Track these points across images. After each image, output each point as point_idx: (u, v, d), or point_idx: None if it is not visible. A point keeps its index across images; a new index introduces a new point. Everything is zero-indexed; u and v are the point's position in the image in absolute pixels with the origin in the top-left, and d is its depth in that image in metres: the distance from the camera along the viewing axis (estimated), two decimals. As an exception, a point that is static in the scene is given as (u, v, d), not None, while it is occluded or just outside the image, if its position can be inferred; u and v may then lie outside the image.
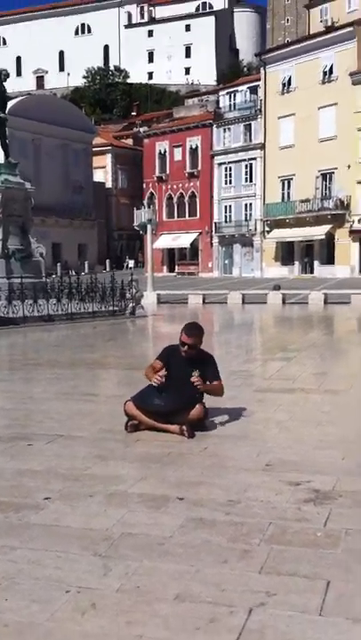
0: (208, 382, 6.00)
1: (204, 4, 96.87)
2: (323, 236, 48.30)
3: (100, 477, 4.67)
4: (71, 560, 3.36)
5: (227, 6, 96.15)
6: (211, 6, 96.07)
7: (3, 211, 18.42)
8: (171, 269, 58.44)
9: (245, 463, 4.97)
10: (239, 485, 4.42)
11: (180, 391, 5.82)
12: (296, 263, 51.04)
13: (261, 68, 53.32)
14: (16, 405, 7.31)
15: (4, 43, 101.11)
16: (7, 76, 19.13)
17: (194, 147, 57.08)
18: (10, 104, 22.02)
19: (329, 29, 50.43)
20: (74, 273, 29.64)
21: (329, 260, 48.90)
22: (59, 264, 47.11)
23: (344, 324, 18.57)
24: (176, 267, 58.41)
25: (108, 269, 47.40)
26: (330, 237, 48.51)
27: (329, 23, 53.01)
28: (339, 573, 3.17)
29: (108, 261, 56.46)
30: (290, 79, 50.24)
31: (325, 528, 3.73)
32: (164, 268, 58.11)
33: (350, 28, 46.25)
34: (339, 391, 7.82)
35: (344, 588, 3.04)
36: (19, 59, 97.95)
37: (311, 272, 49.31)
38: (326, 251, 49.19)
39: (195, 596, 2.97)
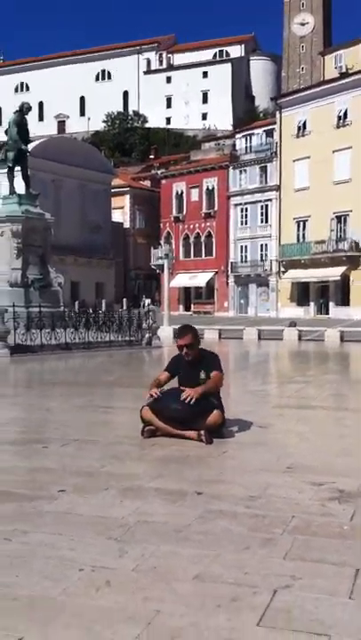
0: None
1: (220, 51, 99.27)
2: (338, 278, 48.19)
3: (115, 474, 4.52)
4: (85, 543, 3.21)
5: (243, 54, 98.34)
6: (228, 54, 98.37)
7: (23, 240, 18.53)
8: (187, 308, 58.45)
9: (266, 466, 4.79)
10: (260, 484, 4.25)
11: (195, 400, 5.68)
12: (311, 304, 50.84)
13: (277, 112, 54.07)
14: (32, 415, 7.19)
15: (27, 88, 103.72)
16: (29, 109, 19.50)
17: (210, 188, 57.68)
18: (31, 146, 22.38)
19: (344, 75, 51.24)
20: (91, 311, 29.69)
21: (344, 301, 48.67)
22: (76, 302, 47.23)
23: (360, 358, 18.34)
24: (192, 305, 58.41)
25: (124, 308, 47.42)
26: (345, 279, 48.38)
27: (343, 69, 53.86)
28: (368, 560, 2.99)
29: (124, 300, 56.65)
30: (305, 123, 50.89)
31: (352, 522, 3.55)
32: (180, 306, 58.13)
33: (365, 74, 46.99)
34: (359, 410, 7.62)
35: (375, 573, 2.85)
36: (41, 104, 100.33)
37: (327, 313, 49.05)
38: (342, 292, 49.00)
39: (215, 577, 2.81)
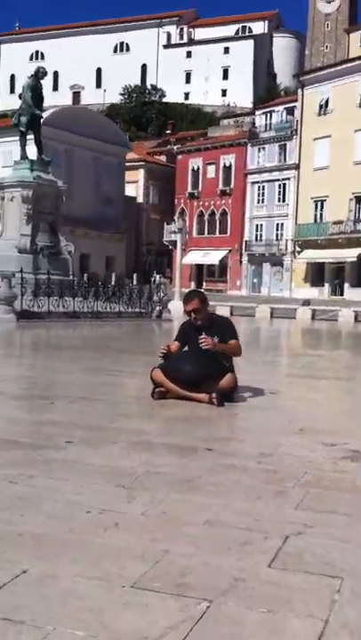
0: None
1: (243, 27, 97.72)
2: (354, 259, 47.78)
3: (124, 430, 4.46)
4: (93, 489, 3.14)
5: (266, 31, 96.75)
6: (250, 30, 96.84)
7: (33, 207, 18.41)
8: (199, 285, 58.14)
9: (278, 428, 4.72)
10: (272, 443, 4.17)
11: (207, 360, 5.58)
12: (326, 285, 50.51)
13: (299, 90, 53.33)
14: (38, 374, 7.14)
15: (43, 57, 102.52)
16: (45, 74, 19.26)
17: (228, 165, 57.12)
18: (45, 114, 22.11)
19: (368, 54, 50.44)
20: (100, 283, 29.63)
21: (360, 282, 48.33)
22: (86, 274, 47.13)
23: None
24: (204, 283, 58.19)
25: (135, 283, 47.31)
26: (361, 260, 48.01)
27: (368, 48, 53.06)
28: (383, 514, 2.91)
29: (135, 275, 56.47)
30: (327, 101, 50.15)
31: (365, 479, 3.46)
32: (192, 284, 57.84)
33: (390, 53, 46.24)
34: (373, 380, 7.53)
35: (390, 526, 2.77)
36: (56, 73, 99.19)
37: (341, 294, 48.72)
38: (358, 273, 48.61)
39: (226, 523, 2.74)
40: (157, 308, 19.01)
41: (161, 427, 4.64)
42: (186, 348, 5.86)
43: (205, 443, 4.11)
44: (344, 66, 50.62)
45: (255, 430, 4.62)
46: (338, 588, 2.16)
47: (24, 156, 19.16)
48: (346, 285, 49.19)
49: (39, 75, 19.05)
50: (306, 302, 26.95)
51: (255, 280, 55.85)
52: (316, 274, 51.36)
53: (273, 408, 5.53)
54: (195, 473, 3.43)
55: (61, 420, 4.71)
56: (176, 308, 24.53)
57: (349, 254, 47.71)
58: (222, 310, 25.35)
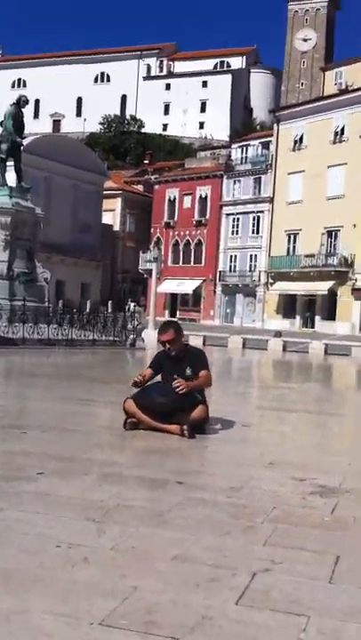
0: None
1: (222, 62, 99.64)
2: (325, 292, 48.43)
3: (95, 461, 4.46)
4: (63, 522, 3.14)
5: (244, 66, 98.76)
6: (228, 65, 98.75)
7: (11, 233, 18.40)
8: (172, 314, 58.34)
9: (248, 461, 4.77)
10: (242, 477, 4.21)
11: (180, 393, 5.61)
12: (298, 317, 51.03)
13: (275, 125, 54.37)
14: (10, 403, 7.10)
15: (25, 85, 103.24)
16: (26, 102, 19.40)
17: (203, 196, 57.79)
18: (25, 142, 22.25)
19: (343, 91, 51.71)
20: (75, 310, 29.54)
21: (330, 315, 48.90)
22: (61, 301, 46.99)
23: (345, 369, 18.38)
24: (178, 312, 58.37)
25: (110, 310, 47.36)
26: (332, 294, 48.63)
27: (343, 86, 54.42)
28: (349, 550, 2.96)
29: (110, 302, 56.51)
30: (302, 137, 51.20)
31: (333, 515, 3.52)
32: (166, 312, 58.04)
33: (363, 92, 47.45)
34: (343, 414, 7.62)
35: (356, 562, 2.82)
36: (37, 101, 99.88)
37: (312, 326, 49.24)
38: (328, 306, 49.25)
39: (195, 558, 2.76)
40: (131, 337, 19.01)
41: (132, 458, 4.66)
42: (159, 378, 5.90)
43: (176, 475, 4.13)
44: (319, 103, 51.83)
45: (226, 463, 4.66)
46: (304, 626, 2.19)
47: (3, 183, 19.19)
48: (317, 318, 49.77)
49: (21, 103, 19.20)
50: (277, 334, 27.16)
51: (228, 310, 56.21)
52: (288, 306, 51.91)
53: (244, 440, 5.57)
54: (165, 507, 3.45)
55: (33, 450, 4.69)
56: (150, 336, 24.54)
57: (321, 287, 48.36)
58: (195, 340, 25.44)
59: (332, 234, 49.13)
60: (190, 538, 2.99)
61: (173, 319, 6.38)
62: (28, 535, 2.93)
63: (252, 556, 2.82)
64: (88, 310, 28.04)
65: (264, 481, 4.13)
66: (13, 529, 3.01)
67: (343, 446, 5.62)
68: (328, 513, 3.52)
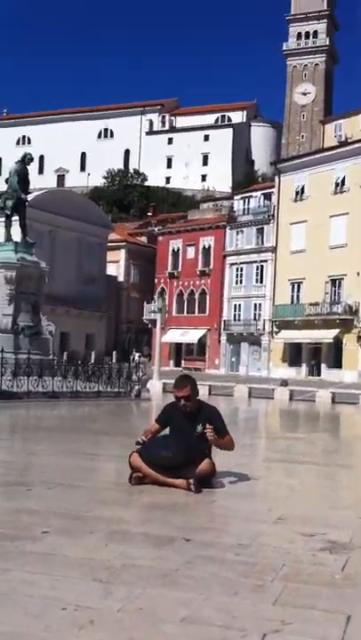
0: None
1: (223, 116, 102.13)
2: (331, 340, 48.41)
3: (101, 518, 4.41)
4: (69, 583, 3.10)
5: (244, 120, 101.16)
6: (229, 119, 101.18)
7: (16, 287, 18.57)
8: (177, 364, 58.32)
9: (256, 516, 4.70)
10: (250, 533, 4.15)
11: (187, 446, 5.58)
12: (303, 365, 50.88)
13: (276, 177, 55.32)
14: (16, 458, 7.05)
15: (29, 142, 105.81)
16: (31, 159, 19.82)
17: (207, 246, 58.43)
18: (30, 197, 22.71)
19: (343, 143, 52.75)
20: (80, 362, 29.54)
21: (336, 363, 48.76)
22: (65, 353, 47.04)
23: (352, 418, 18.23)
24: (183, 361, 58.31)
25: (114, 361, 47.36)
26: (338, 341, 48.61)
27: (343, 138, 55.53)
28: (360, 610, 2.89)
29: (115, 353, 56.55)
30: (303, 188, 52.02)
31: (344, 572, 3.45)
32: (171, 362, 58.00)
33: (363, 144, 48.42)
34: (351, 465, 7.53)
35: (368, 623, 2.76)
36: (42, 157, 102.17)
37: (318, 375, 49.04)
38: (334, 354, 49.15)
39: (204, 620, 2.71)
40: (136, 388, 18.94)
41: (139, 515, 4.60)
42: (166, 431, 5.86)
43: (183, 532, 4.07)
44: (319, 155, 52.82)
45: (233, 518, 4.60)
46: None
47: (9, 238, 19.48)
48: (323, 366, 49.59)
49: (26, 160, 19.61)
50: (283, 382, 27.03)
51: (233, 359, 56.12)
52: (294, 354, 51.80)
53: (251, 495, 5.50)
54: (172, 566, 3.39)
55: (38, 508, 4.65)
56: (155, 387, 24.48)
57: (326, 335, 48.35)
58: (201, 390, 25.27)
59: (335, 282, 49.41)
60: (198, 598, 2.94)
61: (188, 374, 6.34)
62: (34, 597, 2.89)
63: (262, 616, 2.76)
64: (93, 361, 28.07)
65: (273, 537, 4.07)
66: (18, 590, 2.97)
67: (353, 499, 5.54)
68: (339, 570, 3.46)
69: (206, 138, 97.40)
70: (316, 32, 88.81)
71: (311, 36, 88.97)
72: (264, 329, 53.62)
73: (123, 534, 4.00)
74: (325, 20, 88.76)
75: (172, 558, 3.53)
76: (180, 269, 60.13)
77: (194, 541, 3.89)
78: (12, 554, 3.52)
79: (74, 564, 3.39)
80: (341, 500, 5.44)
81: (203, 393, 25.26)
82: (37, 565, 3.34)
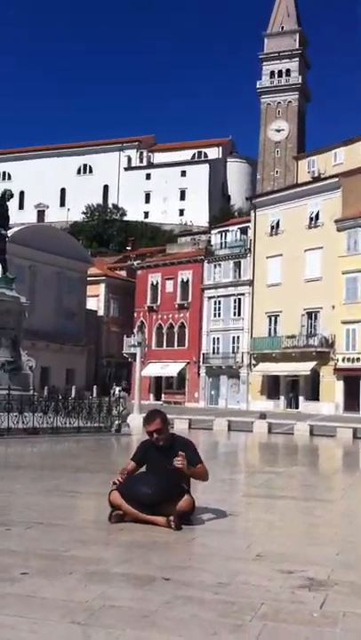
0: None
1: (199, 152, 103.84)
2: (308, 372, 48.67)
3: (80, 558, 4.39)
4: (48, 626, 3.09)
5: (220, 156, 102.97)
6: (206, 155, 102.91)
7: (-5, 322, 18.54)
8: (157, 397, 58.14)
9: (235, 553, 4.71)
10: (229, 571, 4.16)
11: (167, 482, 5.59)
12: (282, 397, 51.02)
13: (252, 211, 56.15)
14: (-5, 497, 6.98)
15: (9, 177, 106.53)
16: (11, 196, 19.97)
17: (185, 280, 58.81)
18: (10, 232, 22.81)
19: (316, 179, 53.81)
20: (60, 396, 29.34)
21: (314, 396, 48.97)
22: (46, 387, 46.65)
23: (331, 451, 18.27)
24: (163, 395, 58.16)
25: (95, 395, 47.11)
26: (315, 374, 48.90)
27: (316, 174, 56.68)
28: (339, 647, 2.92)
29: (95, 387, 56.24)
30: (278, 222, 52.82)
31: (322, 610, 3.48)
32: (151, 395, 57.84)
33: (336, 179, 49.37)
34: (330, 500, 7.57)
35: (345, 660, 2.79)
36: (22, 193, 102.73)
37: (296, 407, 49.16)
38: (311, 387, 49.39)
39: (183, 661, 2.71)
40: (116, 422, 18.84)
41: (118, 554, 4.58)
42: (144, 468, 5.88)
43: (163, 571, 4.08)
44: (294, 190, 53.78)
45: (213, 556, 4.60)
46: None
47: (-11, 274, 19.52)
48: (301, 398, 49.77)
49: (6, 196, 19.74)
50: (262, 415, 27.05)
51: (213, 392, 56.10)
52: (272, 386, 51.97)
53: (230, 531, 5.51)
54: (152, 606, 3.40)
55: (17, 548, 4.62)
56: (135, 421, 24.34)
57: (303, 368, 48.63)
58: (181, 424, 25.28)
59: (312, 315, 49.88)
60: (178, 639, 2.95)
61: (158, 409, 6.38)
62: (12, 642, 2.87)
63: (241, 656, 2.78)
64: (73, 396, 27.91)
65: (252, 575, 4.09)
66: (-3, 635, 2.95)
67: (331, 535, 5.57)
68: (317, 608, 3.49)
69: (183, 173, 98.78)
70: (288, 70, 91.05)
71: (284, 75, 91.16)
72: (243, 362, 53.80)
73: (102, 574, 3.99)
74: (297, 59, 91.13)
75: (151, 599, 3.53)
76: (158, 303, 60.35)
77: (173, 581, 3.89)
78: (-9, 597, 3.50)
79: (53, 605, 3.38)
80: (320, 536, 5.47)
81: (182, 427, 25.31)
82: (16, 608, 3.32)
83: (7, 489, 7.62)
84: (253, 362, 52.98)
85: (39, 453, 13.14)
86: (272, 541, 5.16)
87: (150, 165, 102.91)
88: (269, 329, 52.57)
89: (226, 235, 59.06)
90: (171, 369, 57.62)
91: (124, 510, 5.56)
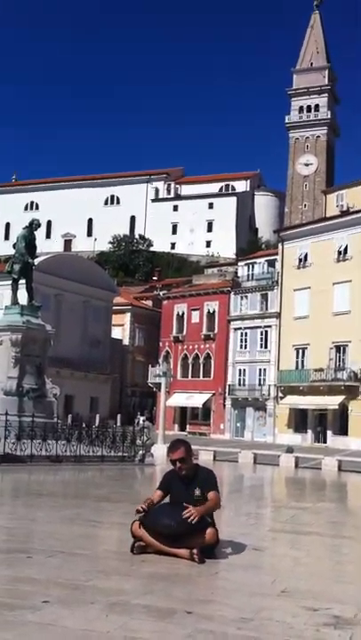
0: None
1: (227, 185, 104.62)
2: (336, 407, 48.04)
3: (102, 589, 4.34)
4: (68, 657, 3.04)
5: (248, 189, 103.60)
6: (233, 188, 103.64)
7: (21, 350, 18.69)
8: (182, 428, 57.77)
9: (259, 589, 4.61)
10: (253, 606, 4.07)
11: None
12: (309, 431, 50.32)
13: (279, 244, 56.17)
14: (17, 524, 6.95)
15: (37, 207, 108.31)
16: (38, 225, 20.31)
17: (211, 311, 58.79)
18: (37, 261, 23.15)
19: (344, 213, 53.74)
20: (84, 425, 29.36)
21: (343, 430, 48.22)
22: (70, 415, 46.77)
23: (359, 488, 17.92)
24: (187, 426, 57.79)
25: (119, 424, 47.01)
26: (344, 408, 48.23)
27: (345, 208, 56.57)
28: None
29: (119, 416, 56.14)
30: (306, 255, 52.72)
31: (349, 649, 3.37)
32: (176, 425, 57.49)
33: (364, 213, 49.35)
34: (358, 538, 7.39)
35: None
36: (49, 223, 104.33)
37: (324, 441, 48.44)
38: (340, 421, 48.66)
39: None
40: (140, 452, 18.74)
41: (140, 586, 4.52)
42: (167, 499, 5.82)
43: (185, 604, 4.00)
44: (322, 224, 53.70)
45: (236, 591, 4.51)
46: None
47: (15, 302, 19.74)
48: (328, 432, 49.03)
49: (33, 226, 20.09)
50: (289, 449, 26.72)
51: (238, 424, 55.59)
52: (300, 420, 51.32)
53: (255, 566, 5.41)
54: (173, 639, 3.33)
55: (38, 576, 4.58)
56: (160, 452, 24.20)
57: (331, 402, 48.00)
58: (205, 456, 25.06)
59: (340, 348, 49.39)
60: (200, 674, 2.88)
61: (183, 438, 6.33)
62: (32, 671, 2.83)
63: None
64: (97, 425, 27.88)
65: (276, 611, 3.99)
66: (16, 664, 2.91)
67: (358, 573, 5.43)
68: (343, 646, 3.39)
69: (211, 205, 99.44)
70: (317, 105, 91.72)
71: (313, 110, 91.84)
72: (269, 394, 53.33)
73: (123, 605, 3.93)
74: (326, 95, 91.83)
75: (172, 631, 3.46)
76: (184, 333, 60.34)
77: (195, 614, 3.82)
78: (12, 623, 3.46)
79: (73, 635, 3.34)
80: (347, 574, 5.33)
81: (208, 458, 25.07)
82: (37, 636, 3.28)
83: (29, 517, 7.60)
84: (280, 394, 52.50)
85: (62, 481, 13.10)
86: (298, 578, 5.04)
87: (178, 197, 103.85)
88: (297, 362, 52.14)
89: (253, 267, 59.09)
90: (196, 400, 57.34)
91: (146, 541, 5.50)
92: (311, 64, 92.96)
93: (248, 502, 10.65)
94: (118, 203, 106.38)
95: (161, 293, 67.58)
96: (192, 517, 5.35)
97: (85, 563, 5.12)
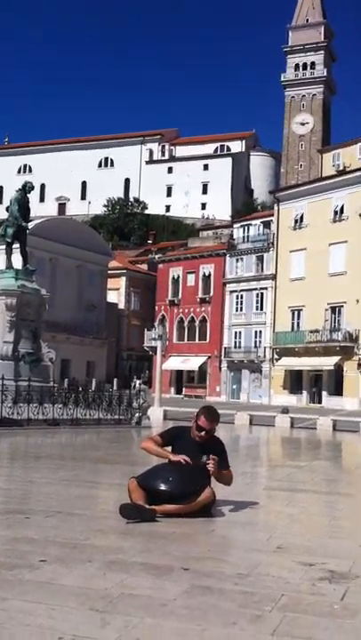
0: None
1: (222, 146, 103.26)
2: (331, 367, 48.35)
3: (99, 547, 4.38)
4: (66, 612, 3.08)
5: (243, 150, 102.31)
6: (228, 149, 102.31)
7: (16, 314, 18.63)
8: (178, 391, 58.20)
9: (255, 545, 4.66)
10: (249, 562, 4.12)
11: (189, 476, 5.52)
12: (304, 392, 50.76)
13: (275, 205, 55.79)
14: (15, 486, 7.01)
15: (30, 170, 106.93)
16: (32, 188, 20.04)
17: (207, 274, 58.69)
18: (31, 225, 22.89)
19: (341, 172, 53.29)
20: (81, 389, 29.46)
21: (337, 390, 48.64)
22: (66, 380, 46.92)
23: (354, 446, 18.12)
24: (184, 389, 58.20)
25: (115, 388, 47.28)
26: (339, 369, 48.54)
27: (341, 167, 56.13)
28: (360, 640, 2.87)
29: (115, 380, 56.45)
30: (302, 216, 52.43)
31: (342, 602, 3.42)
32: (172, 389, 57.88)
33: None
34: (352, 494, 7.48)
35: (367, 653, 2.74)
36: (43, 186, 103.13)
37: (319, 402, 48.90)
38: (335, 382, 49.06)
39: (201, 651, 2.68)
40: (137, 415, 18.86)
41: (137, 544, 4.56)
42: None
43: (182, 562, 4.05)
44: (318, 184, 53.29)
45: (232, 548, 4.57)
46: None
47: (9, 266, 19.61)
48: (324, 393, 49.45)
49: (26, 189, 19.83)
50: (284, 410, 26.95)
51: (234, 386, 55.98)
52: (295, 381, 51.69)
53: (251, 523, 5.47)
54: (170, 595, 3.37)
55: (36, 536, 4.62)
56: (156, 414, 24.38)
57: (326, 362, 48.28)
58: (202, 418, 25.22)
59: (335, 309, 49.50)
60: (196, 629, 2.91)
61: (216, 410, 6.31)
62: (30, 626, 2.87)
63: (260, 647, 2.74)
64: (93, 388, 27.98)
65: (272, 566, 4.04)
66: (15, 619, 2.95)
67: (353, 528, 5.50)
68: (338, 600, 3.43)
69: (206, 167, 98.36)
70: (313, 63, 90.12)
71: (309, 67, 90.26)
72: (265, 356, 53.60)
73: (121, 563, 3.97)
74: (323, 52, 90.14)
75: (170, 588, 3.50)
76: (180, 297, 60.30)
77: (192, 571, 3.86)
78: (10, 582, 3.50)
79: (71, 593, 3.37)
80: (342, 529, 5.40)
81: (203, 420, 25.15)
82: (35, 594, 3.31)
83: (27, 478, 7.66)
84: (276, 356, 52.75)
85: (59, 444, 13.20)
86: (293, 534, 5.10)
87: (172, 159, 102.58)
88: (292, 323, 52.29)
89: (249, 229, 58.79)
90: (192, 363, 57.61)
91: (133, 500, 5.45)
92: (307, 20, 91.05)
93: (244, 462, 10.74)
94: (112, 165, 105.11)
95: (156, 257, 67.31)
96: (211, 467, 5.46)
97: (83, 522, 5.16)
